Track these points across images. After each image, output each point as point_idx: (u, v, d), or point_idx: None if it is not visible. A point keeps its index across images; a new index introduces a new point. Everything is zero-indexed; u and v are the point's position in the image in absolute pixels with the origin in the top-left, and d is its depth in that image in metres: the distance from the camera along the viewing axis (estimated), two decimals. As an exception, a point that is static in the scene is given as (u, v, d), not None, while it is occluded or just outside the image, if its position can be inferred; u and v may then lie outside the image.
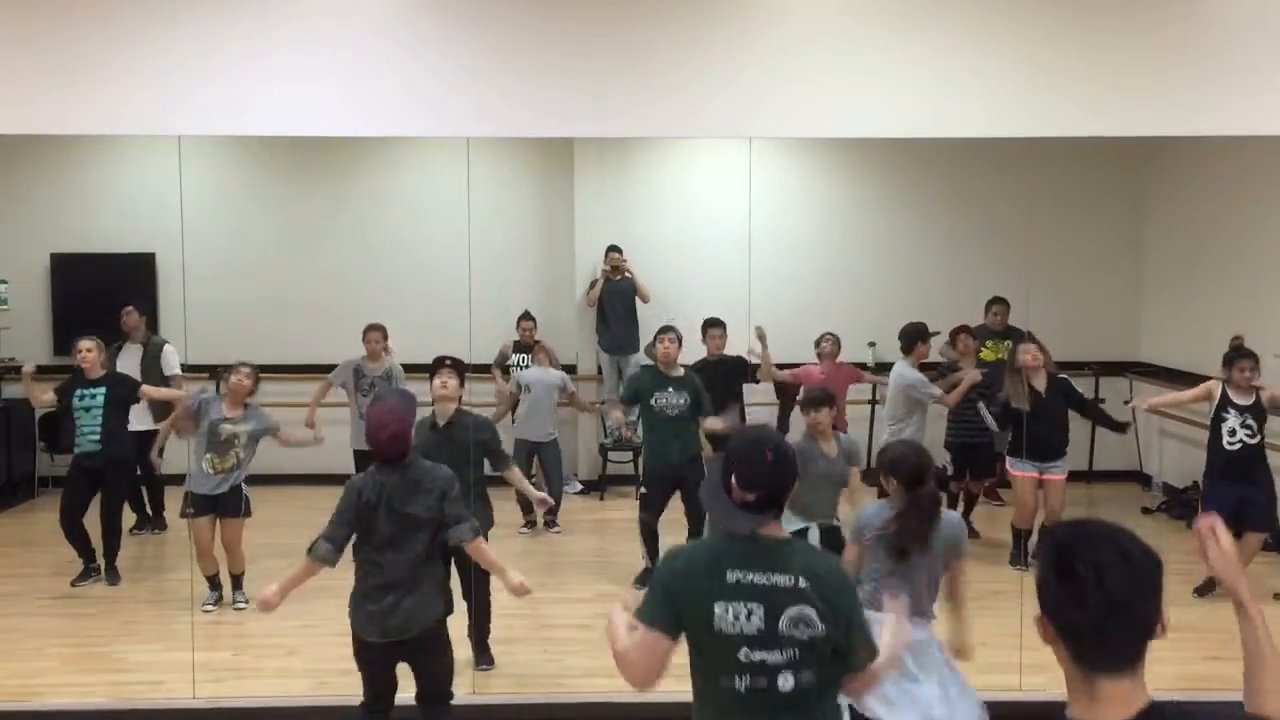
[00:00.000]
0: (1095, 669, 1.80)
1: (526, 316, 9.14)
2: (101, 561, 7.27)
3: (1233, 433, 6.67)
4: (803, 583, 2.79)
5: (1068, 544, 1.83)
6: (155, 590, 7.18)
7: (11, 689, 5.68)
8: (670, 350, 7.14)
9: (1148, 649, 1.81)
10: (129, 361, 8.17)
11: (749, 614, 2.79)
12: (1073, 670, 1.83)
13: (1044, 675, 5.05)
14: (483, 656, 5.91)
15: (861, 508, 4.68)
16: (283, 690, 5.67)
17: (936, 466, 4.61)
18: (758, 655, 2.79)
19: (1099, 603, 1.77)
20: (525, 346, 9.00)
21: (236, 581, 6.90)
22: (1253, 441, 6.69)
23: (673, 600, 2.87)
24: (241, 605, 6.84)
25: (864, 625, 2.90)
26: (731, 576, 2.82)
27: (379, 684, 4.58)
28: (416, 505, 4.40)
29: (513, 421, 8.53)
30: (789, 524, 5.97)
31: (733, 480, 2.85)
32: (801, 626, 2.79)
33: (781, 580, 2.80)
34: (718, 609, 2.81)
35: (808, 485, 5.95)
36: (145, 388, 7.51)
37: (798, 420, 6.38)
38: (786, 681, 2.80)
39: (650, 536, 7.00)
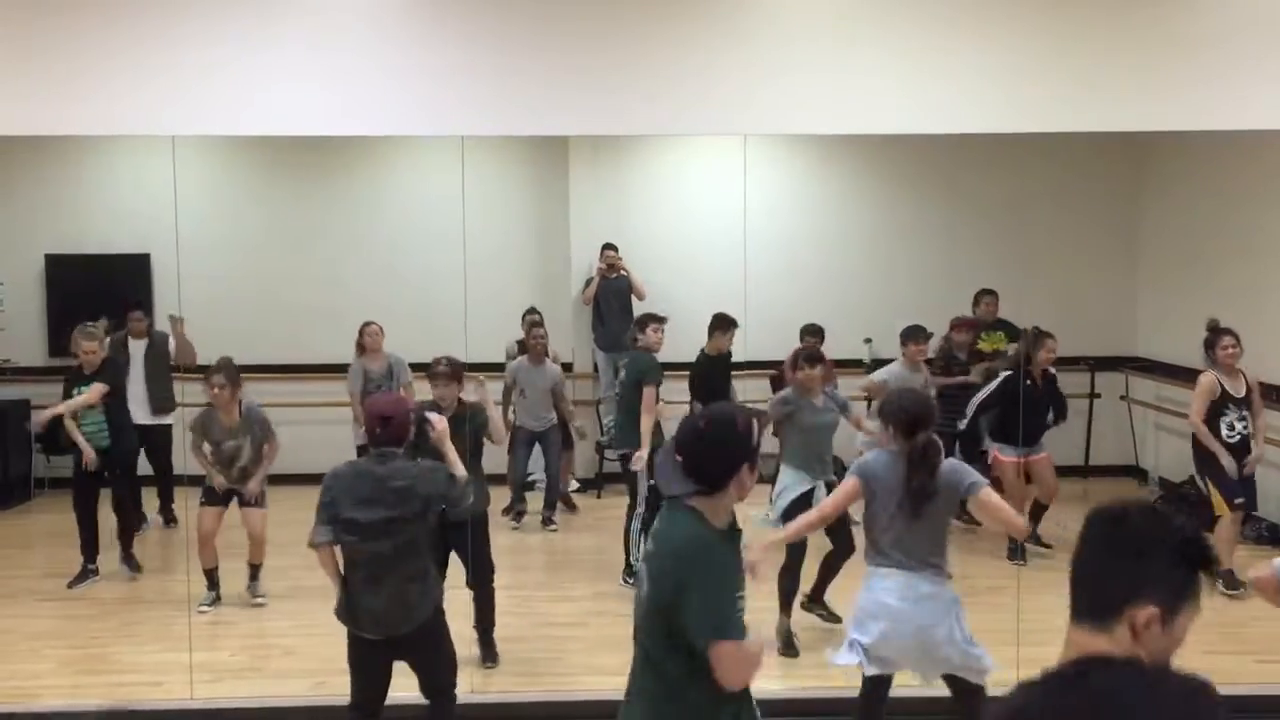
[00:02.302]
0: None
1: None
2: (118, 548, 7.31)
3: (1231, 427, 6.86)
4: (654, 548, 2.94)
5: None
6: (153, 591, 7.17)
7: (9, 690, 5.68)
8: (662, 338, 7.33)
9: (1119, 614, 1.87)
10: (134, 355, 8.23)
11: (643, 581, 2.97)
12: None
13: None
14: (488, 652, 5.93)
15: (869, 454, 4.71)
16: (281, 690, 5.67)
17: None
18: (637, 619, 2.98)
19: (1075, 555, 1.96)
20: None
21: (254, 572, 6.92)
22: (1246, 433, 6.91)
23: None
24: (261, 600, 6.85)
25: (696, 605, 2.78)
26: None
27: (370, 689, 4.57)
28: (400, 496, 4.39)
29: (513, 414, 8.57)
30: (796, 485, 6.07)
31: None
32: (646, 598, 2.92)
33: (652, 549, 2.97)
34: None
35: (798, 435, 6.16)
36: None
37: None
38: (641, 647, 2.97)
39: None
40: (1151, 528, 1.91)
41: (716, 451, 2.85)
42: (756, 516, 6.23)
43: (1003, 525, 4.63)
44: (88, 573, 7.24)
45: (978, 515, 4.56)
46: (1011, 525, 4.64)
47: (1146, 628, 1.85)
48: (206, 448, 6.79)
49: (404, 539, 4.43)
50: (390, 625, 4.43)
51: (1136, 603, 1.85)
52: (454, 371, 5.99)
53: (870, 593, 4.45)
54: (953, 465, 4.45)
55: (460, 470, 4.71)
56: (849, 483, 4.56)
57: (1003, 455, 7.60)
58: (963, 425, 7.80)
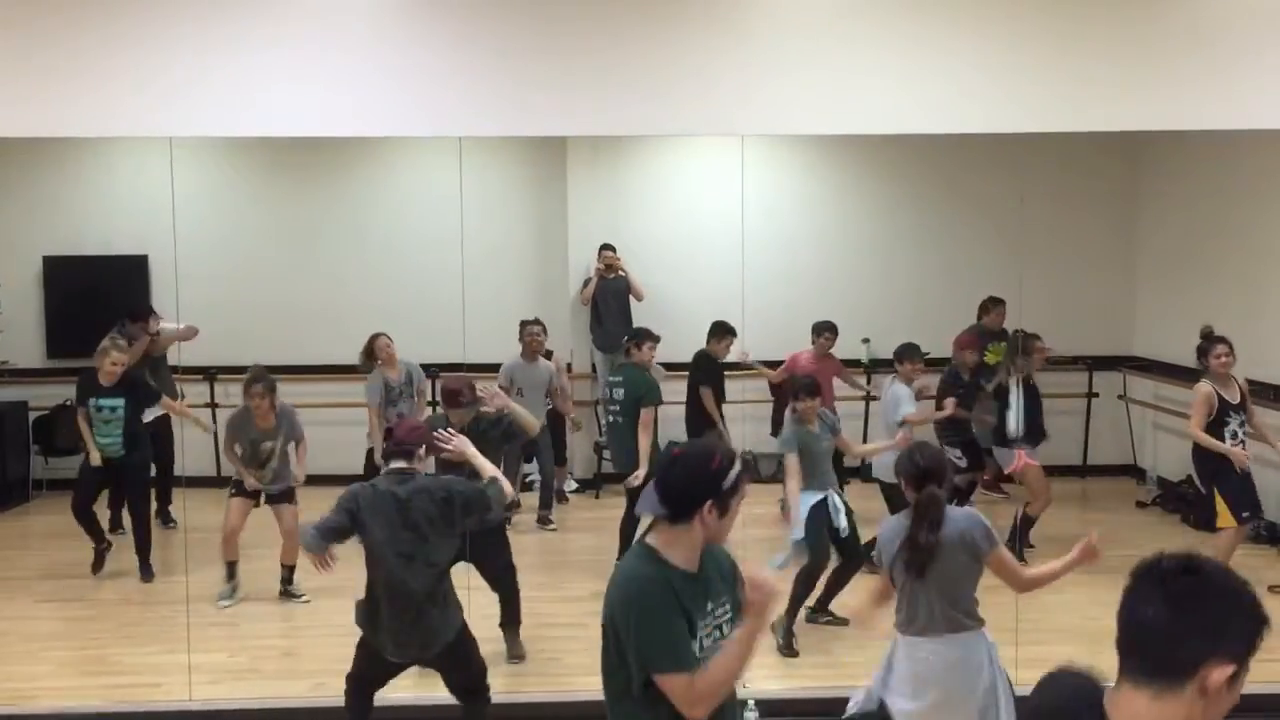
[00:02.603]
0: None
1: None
2: (136, 559, 7.36)
3: (1235, 435, 6.76)
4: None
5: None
6: (152, 592, 7.16)
7: (7, 692, 5.67)
8: (653, 356, 7.47)
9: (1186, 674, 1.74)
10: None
11: None
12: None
13: (1041, 669, 5.00)
14: (514, 648, 6.02)
15: (882, 526, 4.59)
16: (280, 692, 5.67)
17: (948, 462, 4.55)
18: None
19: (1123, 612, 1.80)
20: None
21: (288, 574, 6.94)
22: (1244, 437, 6.83)
23: None
24: (305, 598, 6.87)
25: (638, 643, 2.78)
26: None
27: (376, 674, 4.61)
28: (440, 509, 4.40)
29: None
30: (808, 496, 6.23)
31: None
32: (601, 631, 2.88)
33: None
34: None
35: (804, 458, 6.40)
36: (167, 401, 7.70)
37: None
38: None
39: None
40: (1226, 580, 1.78)
41: (684, 480, 2.82)
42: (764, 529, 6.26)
43: (1014, 584, 4.51)
44: (101, 552, 7.36)
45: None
46: (1025, 586, 4.49)
47: (1218, 690, 1.73)
48: (238, 449, 6.92)
49: (443, 558, 4.46)
50: (410, 652, 4.44)
51: (1212, 661, 1.72)
52: (469, 401, 6.03)
53: (909, 662, 4.29)
54: (970, 515, 4.35)
55: (492, 471, 4.69)
56: (880, 575, 4.46)
57: (1030, 458, 7.59)
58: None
